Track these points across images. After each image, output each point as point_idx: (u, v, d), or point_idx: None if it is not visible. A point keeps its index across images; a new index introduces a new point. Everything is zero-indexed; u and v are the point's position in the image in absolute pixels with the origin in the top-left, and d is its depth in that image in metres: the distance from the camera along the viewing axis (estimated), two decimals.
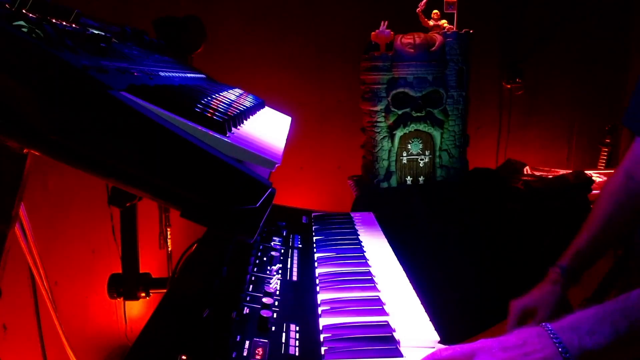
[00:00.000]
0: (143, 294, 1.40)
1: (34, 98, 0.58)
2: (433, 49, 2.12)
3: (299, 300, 1.03)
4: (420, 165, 2.21)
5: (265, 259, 1.18)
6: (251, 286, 1.04)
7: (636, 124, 1.21)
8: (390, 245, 1.35)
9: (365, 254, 1.27)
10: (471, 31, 2.20)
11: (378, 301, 1.02)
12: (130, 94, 0.64)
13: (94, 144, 0.60)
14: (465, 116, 2.24)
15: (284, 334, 0.89)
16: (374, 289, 1.08)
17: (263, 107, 1.37)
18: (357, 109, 2.30)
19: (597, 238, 1.27)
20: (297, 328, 0.91)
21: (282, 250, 1.26)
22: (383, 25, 2.13)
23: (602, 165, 3.22)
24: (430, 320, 0.95)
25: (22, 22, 0.62)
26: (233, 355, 0.79)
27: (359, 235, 1.42)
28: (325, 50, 3.19)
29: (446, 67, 2.16)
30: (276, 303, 0.99)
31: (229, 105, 0.96)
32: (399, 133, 2.15)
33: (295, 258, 1.25)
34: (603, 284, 2.15)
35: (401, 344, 0.87)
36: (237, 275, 1.06)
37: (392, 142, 2.17)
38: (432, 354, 0.79)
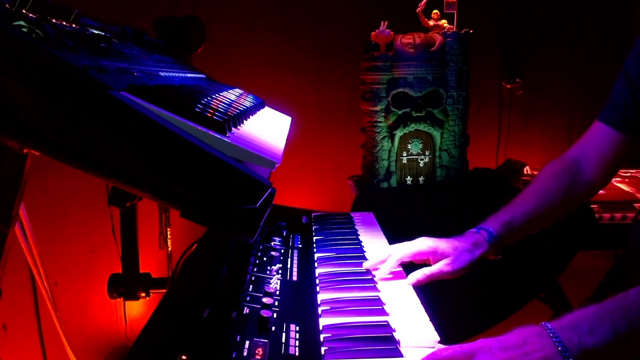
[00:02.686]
0: (143, 294, 1.41)
1: (33, 98, 0.58)
2: (433, 49, 2.12)
3: (299, 300, 1.03)
4: (420, 165, 2.21)
5: (265, 259, 1.18)
6: (251, 286, 1.04)
7: (607, 113, 1.29)
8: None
9: (365, 254, 1.27)
10: (471, 31, 2.20)
11: (378, 301, 1.02)
12: (130, 94, 0.64)
13: (94, 144, 0.60)
14: (465, 116, 2.24)
15: (284, 334, 0.89)
16: (374, 289, 1.08)
17: (263, 107, 1.37)
18: (357, 109, 2.30)
19: (531, 214, 1.21)
20: (297, 328, 0.91)
21: (282, 250, 1.26)
22: (383, 25, 2.13)
23: None
24: (430, 320, 0.95)
25: (22, 22, 0.62)
26: (233, 355, 0.79)
27: (359, 235, 1.42)
28: (325, 50, 3.19)
29: (446, 67, 2.16)
30: (276, 303, 0.99)
31: (229, 105, 0.96)
32: (399, 133, 2.15)
33: (295, 258, 1.25)
34: (603, 284, 2.15)
35: (401, 344, 0.87)
36: (237, 275, 1.06)
37: (392, 142, 2.17)
38: (432, 354, 0.79)
